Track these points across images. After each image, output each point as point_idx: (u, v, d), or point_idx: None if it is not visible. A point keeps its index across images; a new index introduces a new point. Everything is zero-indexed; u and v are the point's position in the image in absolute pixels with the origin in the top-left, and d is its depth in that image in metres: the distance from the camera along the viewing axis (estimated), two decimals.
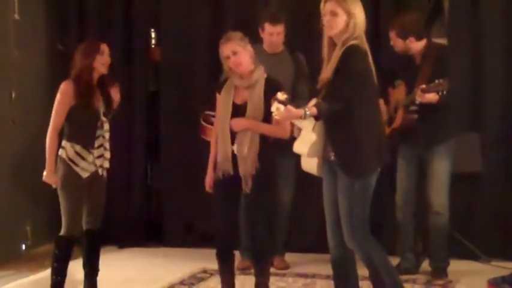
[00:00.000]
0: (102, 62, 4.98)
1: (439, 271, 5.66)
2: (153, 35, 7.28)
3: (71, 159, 4.91)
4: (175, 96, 6.88)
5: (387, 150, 4.45)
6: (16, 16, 6.49)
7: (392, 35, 5.56)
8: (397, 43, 5.55)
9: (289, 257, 6.19)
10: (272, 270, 5.83)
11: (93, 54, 4.94)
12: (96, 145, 4.96)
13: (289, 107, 4.09)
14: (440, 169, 5.54)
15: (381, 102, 5.60)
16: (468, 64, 6.19)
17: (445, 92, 5.11)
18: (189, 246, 6.72)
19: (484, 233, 6.19)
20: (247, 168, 4.67)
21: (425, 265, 5.79)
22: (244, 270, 5.76)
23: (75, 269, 5.18)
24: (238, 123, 4.71)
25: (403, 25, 5.51)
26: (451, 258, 5.71)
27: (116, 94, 5.13)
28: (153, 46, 7.30)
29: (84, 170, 4.92)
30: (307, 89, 5.76)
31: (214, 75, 6.39)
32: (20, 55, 6.49)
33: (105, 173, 5.05)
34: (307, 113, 4.08)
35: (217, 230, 4.84)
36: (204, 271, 5.94)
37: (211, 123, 5.60)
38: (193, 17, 6.83)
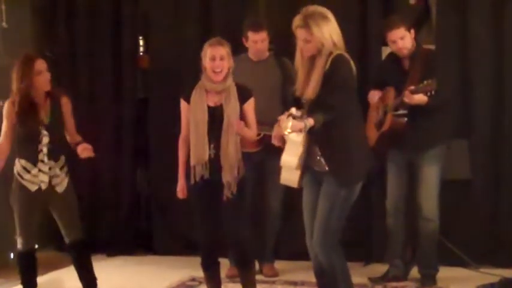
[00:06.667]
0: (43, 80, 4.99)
1: (428, 278, 5.66)
2: (141, 42, 7.28)
3: (18, 173, 4.98)
4: (164, 103, 6.86)
5: (372, 160, 4.49)
6: (4, 24, 6.47)
7: (400, 32, 5.42)
8: (406, 40, 5.43)
9: (278, 264, 6.18)
10: (261, 277, 5.84)
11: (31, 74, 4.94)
12: (39, 159, 4.94)
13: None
14: (430, 174, 5.53)
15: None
16: (456, 70, 6.19)
17: (433, 93, 5.11)
18: (178, 254, 6.70)
19: (473, 240, 6.18)
20: (233, 173, 4.69)
21: (414, 272, 5.79)
22: (232, 278, 5.73)
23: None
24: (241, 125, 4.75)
25: (405, 18, 5.53)
26: (440, 265, 5.71)
27: (84, 151, 4.98)
28: (141, 53, 7.30)
29: (31, 182, 4.94)
30: None
31: None
32: (8, 63, 6.46)
33: (61, 190, 4.99)
34: (307, 125, 4.08)
35: (200, 240, 4.82)
36: (193, 279, 5.93)
37: None
38: (182, 25, 6.83)
